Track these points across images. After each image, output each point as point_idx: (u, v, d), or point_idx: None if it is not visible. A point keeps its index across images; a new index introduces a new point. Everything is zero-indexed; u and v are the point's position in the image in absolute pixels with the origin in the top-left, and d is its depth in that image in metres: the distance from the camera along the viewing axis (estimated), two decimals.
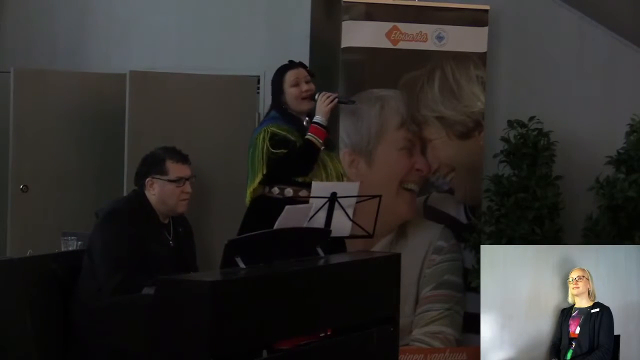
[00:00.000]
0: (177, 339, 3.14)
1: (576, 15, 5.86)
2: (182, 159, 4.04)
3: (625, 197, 5.23)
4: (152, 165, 4.02)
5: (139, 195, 4.00)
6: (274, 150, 4.49)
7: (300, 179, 4.50)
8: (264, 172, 4.49)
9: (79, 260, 3.91)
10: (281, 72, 4.68)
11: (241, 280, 3.32)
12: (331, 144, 4.72)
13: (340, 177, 4.64)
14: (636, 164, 5.33)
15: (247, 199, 4.62)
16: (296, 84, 4.61)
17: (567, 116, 5.77)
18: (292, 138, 4.53)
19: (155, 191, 3.97)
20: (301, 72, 4.65)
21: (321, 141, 4.54)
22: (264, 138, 4.50)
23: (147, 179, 3.98)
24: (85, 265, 3.86)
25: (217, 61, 5.97)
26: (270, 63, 5.82)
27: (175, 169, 4.00)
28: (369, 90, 5.47)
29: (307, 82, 4.63)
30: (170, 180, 3.97)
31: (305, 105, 4.62)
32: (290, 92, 4.61)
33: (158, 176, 3.97)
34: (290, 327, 3.50)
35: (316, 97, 4.61)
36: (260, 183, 4.54)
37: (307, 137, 4.54)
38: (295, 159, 4.52)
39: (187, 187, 4.02)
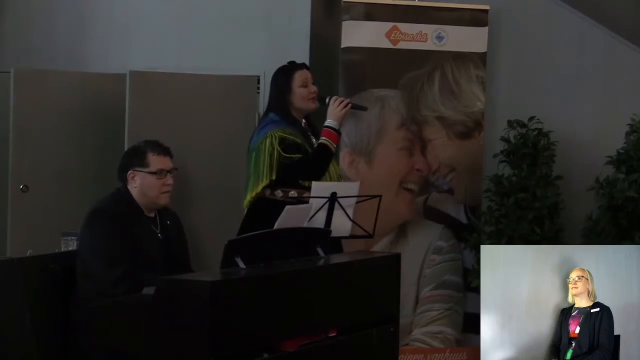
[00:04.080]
0: (177, 339, 3.14)
1: (576, 15, 5.86)
2: (163, 151, 4.06)
3: (625, 197, 5.24)
4: (133, 157, 4.05)
5: (122, 192, 4.02)
6: (287, 155, 4.45)
7: (307, 183, 4.47)
8: (273, 178, 4.45)
9: None
10: (288, 71, 4.65)
11: (241, 280, 3.32)
12: None
13: (339, 180, 4.65)
14: (636, 164, 5.33)
15: (246, 203, 4.58)
16: (305, 85, 4.60)
17: (567, 116, 5.77)
18: (299, 141, 4.52)
19: (137, 183, 4.00)
20: (307, 73, 4.65)
21: (335, 145, 4.55)
22: (272, 143, 4.45)
23: (129, 172, 4.01)
24: (78, 267, 3.86)
25: (217, 61, 5.97)
26: (270, 63, 5.82)
27: (155, 161, 4.01)
28: (369, 90, 5.47)
29: (312, 84, 4.65)
30: (150, 172, 3.99)
31: (310, 105, 4.62)
32: (299, 92, 4.59)
33: (139, 168, 4.00)
34: (290, 327, 3.50)
35: (327, 101, 4.62)
36: (264, 187, 4.51)
37: (321, 141, 4.53)
38: (311, 163, 4.51)
39: (169, 180, 4.03)
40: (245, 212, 4.63)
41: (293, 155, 4.46)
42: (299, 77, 4.61)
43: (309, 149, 4.53)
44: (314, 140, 4.61)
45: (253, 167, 4.52)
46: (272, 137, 4.47)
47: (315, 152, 4.53)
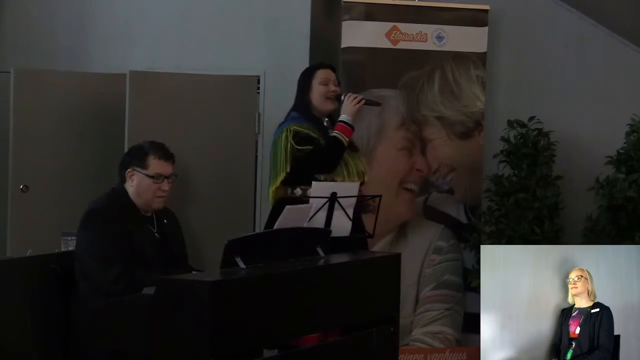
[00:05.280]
0: (177, 339, 3.14)
1: (576, 15, 5.86)
2: (165, 156, 4.06)
3: (625, 197, 5.24)
4: (134, 157, 4.06)
5: (118, 192, 4.03)
6: (299, 147, 4.49)
7: (322, 177, 4.49)
8: (288, 170, 4.48)
9: None
10: (311, 69, 4.73)
11: (241, 280, 3.32)
12: (354, 146, 4.71)
13: (361, 176, 4.63)
14: (636, 164, 5.34)
15: (270, 198, 4.60)
16: (325, 83, 4.65)
17: (567, 116, 5.78)
18: (315, 135, 4.54)
19: (134, 183, 4.02)
20: (331, 73, 4.71)
21: (347, 139, 4.56)
22: (286, 136, 4.51)
23: (128, 170, 4.02)
24: (76, 268, 3.86)
25: (217, 61, 5.96)
26: (270, 63, 5.85)
27: (155, 165, 4.02)
28: (369, 90, 5.47)
29: (334, 85, 4.69)
30: (148, 175, 3.99)
31: (329, 105, 4.66)
32: (317, 89, 4.64)
33: (138, 169, 4.01)
34: (290, 327, 3.50)
35: (342, 98, 4.65)
36: (283, 183, 4.52)
37: (333, 134, 4.57)
38: (322, 155, 4.53)
39: (165, 185, 4.04)
40: (270, 211, 4.62)
41: (304, 147, 4.48)
42: (320, 74, 4.67)
43: (320, 144, 4.55)
44: None
45: (272, 162, 4.58)
46: (287, 130, 4.53)
47: (327, 145, 4.55)
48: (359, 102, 4.63)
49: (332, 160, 4.55)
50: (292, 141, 4.49)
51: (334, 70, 4.75)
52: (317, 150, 4.51)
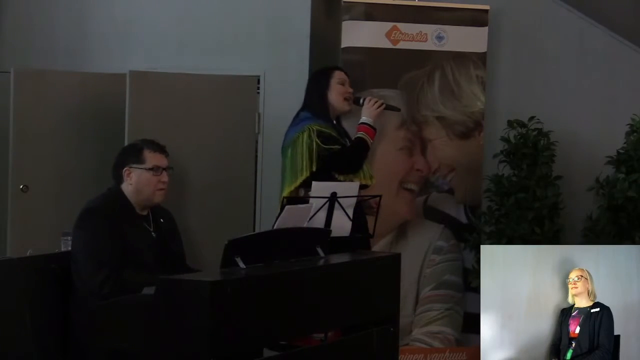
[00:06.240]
0: (177, 339, 3.14)
1: (576, 15, 5.86)
2: (159, 149, 4.08)
3: (625, 197, 5.24)
4: (129, 155, 4.06)
5: (114, 191, 4.02)
6: (326, 146, 4.51)
7: (342, 178, 4.50)
8: (313, 169, 4.49)
9: None
10: (327, 70, 4.79)
11: (241, 280, 3.32)
12: None
13: (371, 179, 4.67)
14: (636, 164, 5.34)
15: (281, 198, 4.58)
16: (342, 83, 4.73)
17: (567, 116, 5.78)
18: (335, 135, 4.57)
19: (132, 180, 4.00)
20: (344, 75, 4.78)
21: (372, 140, 4.60)
22: (309, 135, 4.52)
23: (125, 169, 4.01)
24: (72, 268, 3.86)
25: (217, 61, 5.96)
26: (270, 63, 5.85)
27: (152, 158, 4.02)
28: (369, 90, 5.46)
29: (349, 86, 4.76)
30: (147, 169, 3.99)
31: (346, 106, 4.73)
32: (337, 89, 4.71)
33: (135, 165, 4.00)
34: (290, 327, 3.50)
35: (361, 101, 4.72)
36: (302, 184, 4.51)
37: (358, 135, 4.64)
38: (348, 155, 4.58)
39: (164, 177, 4.04)
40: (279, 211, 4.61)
41: (333, 147, 4.52)
42: (338, 75, 4.75)
43: (344, 143, 4.59)
44: (346, 138, 4.67)
45: (290, 162, 4.57)
46: (309, 130, 4.55)
47: (353, 145, 4.62)
48: (380, 106, 4.70)
49: (358, 160, 4.61)
50: (317, 140, 4.51)
51: (345, 72, 4.82)
52: (344, 150, 4.55)
